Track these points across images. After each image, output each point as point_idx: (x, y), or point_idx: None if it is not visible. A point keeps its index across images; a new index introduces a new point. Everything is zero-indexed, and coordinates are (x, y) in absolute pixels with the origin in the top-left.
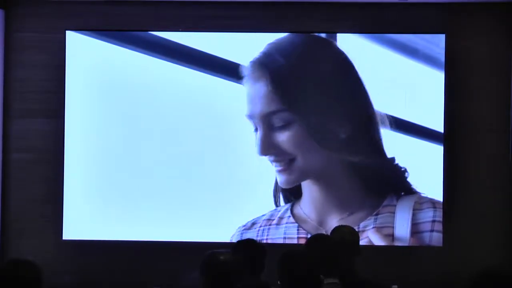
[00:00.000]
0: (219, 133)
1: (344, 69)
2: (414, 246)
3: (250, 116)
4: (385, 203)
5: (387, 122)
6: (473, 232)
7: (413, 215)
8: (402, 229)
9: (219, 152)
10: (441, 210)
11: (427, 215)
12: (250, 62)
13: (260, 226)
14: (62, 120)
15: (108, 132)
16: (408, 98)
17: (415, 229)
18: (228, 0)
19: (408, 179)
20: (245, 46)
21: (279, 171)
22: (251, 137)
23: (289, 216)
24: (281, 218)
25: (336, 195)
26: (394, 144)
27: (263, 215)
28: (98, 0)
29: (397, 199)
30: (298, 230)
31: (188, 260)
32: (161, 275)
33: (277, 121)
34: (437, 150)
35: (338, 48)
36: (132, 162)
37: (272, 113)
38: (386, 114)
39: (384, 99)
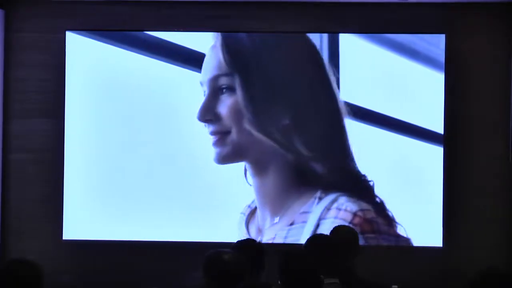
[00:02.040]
0: None
1: (310, 61)
2: (414, 246)
3: (201, 83)
4: (303, 209)
5: (351, 114)
6: (473, 232)
7: (317, 226)
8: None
9: None
10: (344, 220)
11: (326, 226)
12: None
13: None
14: (62, 120)
15: (108, 132)
16: (408, 99)
17: None
18: (228, 0)
19: (370, 184)
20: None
21: (214, 144)
22: None
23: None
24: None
25: (270, 192)
26: (393, 145)
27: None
28: (98, 0)
29: (317, 203)
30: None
31: (188, 260)
32: (161, 275)
33: (221, 83)
34: (437, 151)
35: (310, 42)
36: (132, 162)
37: (218, 76)
38: (350, 104)
39: (383, 99)
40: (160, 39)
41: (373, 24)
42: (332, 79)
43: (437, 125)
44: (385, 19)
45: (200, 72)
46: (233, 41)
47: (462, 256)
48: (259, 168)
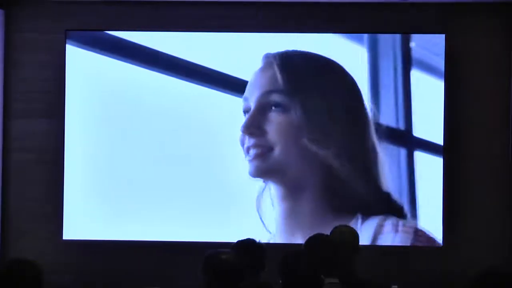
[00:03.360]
0: (217, 138)
1: (350, 90)
2: (414, 246)
3: (246, 98)
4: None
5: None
6: (473, 232)
7: (374, 239)
8: None
9: (218, 154)
10: (403, 232)
11: (386, 239)
12: (264, 55)
13: None
14: (62, 120)
15: (108, 132)
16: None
17: None
18: (228, 0)
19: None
20: (245, 47)
21: (253, 157)
22: None
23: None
24: None
25: (303, 217)
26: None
27: None
28: (98, 0)
29: (362, 223)
30: None
31: (188, 260)
32: (161, 275)
33: (273, 100)
34: (436, 152)
35: (346, 73)
36: (132, 162)
37: (271, 91)
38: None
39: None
40: (160, 52)
41: (373, 24)
42: (367, 102)
43: (437, 126)
44: (385, 19)
45: (193, 82)
46: (289, 60)
47: (462, 256)
48: (292, 190)
